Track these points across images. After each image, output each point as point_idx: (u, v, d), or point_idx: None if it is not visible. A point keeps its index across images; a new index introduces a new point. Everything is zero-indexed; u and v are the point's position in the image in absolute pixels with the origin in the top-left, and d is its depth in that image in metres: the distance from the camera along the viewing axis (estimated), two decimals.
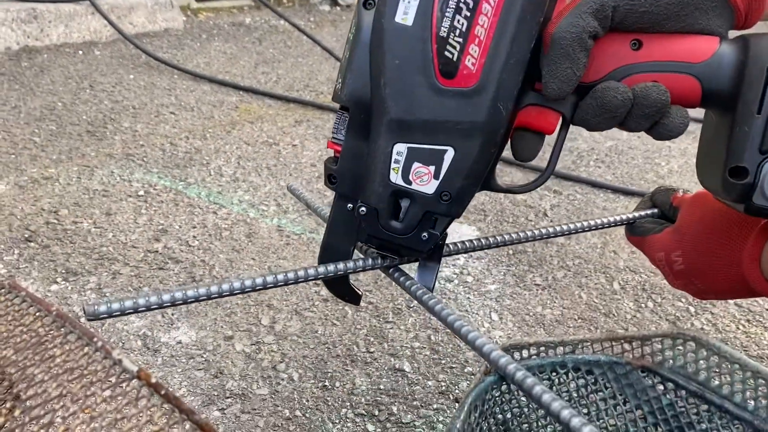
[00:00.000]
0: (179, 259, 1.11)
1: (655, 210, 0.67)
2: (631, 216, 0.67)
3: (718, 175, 0.44)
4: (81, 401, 0.32)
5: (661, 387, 0.46)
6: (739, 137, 0.42)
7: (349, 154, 0.46)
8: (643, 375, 0.46)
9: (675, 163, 1.68)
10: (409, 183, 0.45)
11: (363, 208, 0.46)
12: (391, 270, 0.55)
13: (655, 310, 1.09)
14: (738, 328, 1.07)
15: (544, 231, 0.62)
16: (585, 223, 0.65)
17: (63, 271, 1.05)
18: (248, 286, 0.47)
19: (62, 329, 0.35)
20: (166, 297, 0.45)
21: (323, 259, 0.51)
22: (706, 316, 1.09)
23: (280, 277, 0.48)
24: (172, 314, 0.98)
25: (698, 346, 0.45)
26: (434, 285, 0.51)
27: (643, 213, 0.66)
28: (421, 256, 0.51)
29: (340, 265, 0.51)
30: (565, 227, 0.63)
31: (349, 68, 0.44)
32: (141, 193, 1.31)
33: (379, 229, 0.47)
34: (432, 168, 0.45)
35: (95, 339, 0.35)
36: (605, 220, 0.65)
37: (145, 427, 0.32)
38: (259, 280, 0.48)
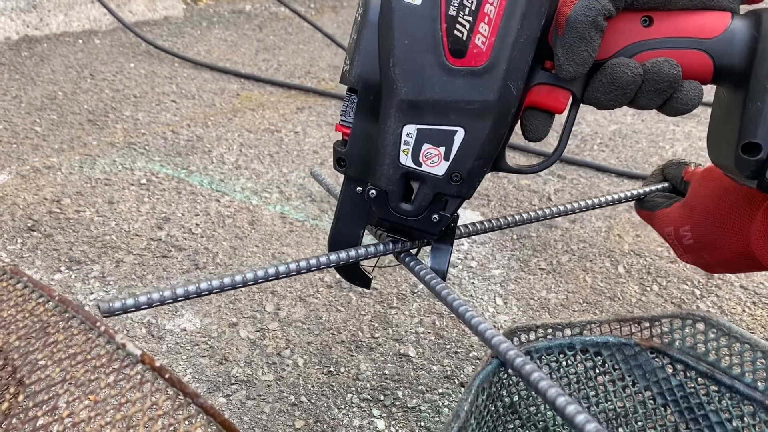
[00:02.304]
0: (182, 247, 1.10)
1: (666, 184, 0.67)
2: (642, 191, 0.66)
3: (730, 152, 0.43)
4: (85, 386, 0.32)
5: (671, 368, 0.45)
6: (752, 113, 0.41)
7: (358, 137, 0.46)
8: (652, 356, 0.45)
9: (679, 147, 1.66)
10: (420, 165, 0.44)
11: (373, 191, 0.46)
12: (402, 255, 0.54)
13: (660, 293, 1.08)
14: (744, 310, 1.07)
15: (555, 210, 0.61)
16: (597, 200, 0.64)
17: (66, 260, 1.05)
18: (261, 277, 0.47)
19: (65, 314, 0.35)
20: (180, 291, 0.44)
21: (333, 244, 0.51)
22: (712, 299, 1.09)
23: (293, 266, 0.48)
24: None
25: (708, 326, 0.44)
26: (447, 269, 0.50)
27: (653, 188, 0.66)
28: (432, 239, 0.50)
29: (352, 252, 0.50)
30: (576, 205, 0.63)
31: (357, 50, 0.44)
32: (143, 181, 1.30)
33: (389, 211, 0.46)
34: (442, 149, 0.44)
35: (98, 324, 0.35)
36: (616, 196, 0.65)
37: (150, 411, 0.31)
38: (271, 270, 0.48)
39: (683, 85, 0.42)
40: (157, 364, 0.33)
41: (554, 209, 0.61)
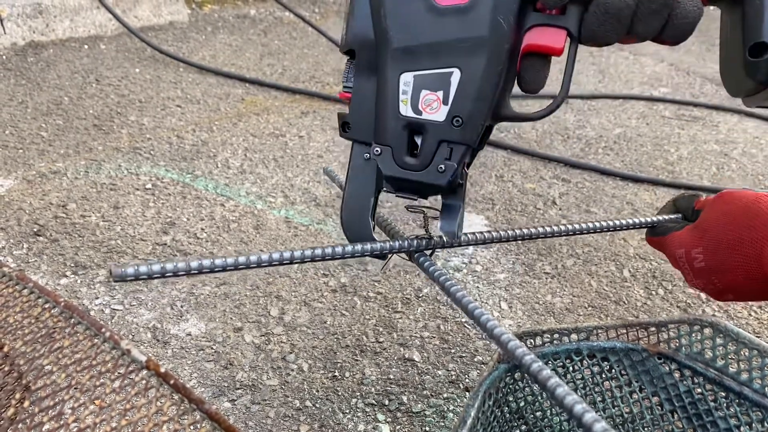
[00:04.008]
0: (187, 252, 1.10)
1: (679, 215, 0.67)
2: (654, 219, 0.66)
3: (739, 64, 0.42)
4: (90, 392, 0.32)
5: (678, 374, 0.45)
6: (753, 15, 0.40)
7: (359, 97, 0.46)
8: (660, 362, 0.45)
9: (684, 150, 1.66)
10: (419, 113, 0.45)
11: (378, 149, 0.46)
12: (416, 255, 0.54)
13: (666, 297, 1.08)
14: (750, 314, 1.06)
15: (572, 228, 0.61)
16: (608, 223, 0.64)
17: (72, 265, 1.05)
18: (275, 260, 0.47)
19: (71, 320, 0.35)
20: (194, 264, 0.44)
21: (346, 215, 0.51)
22: (718, 303, 1.08)
23: (307, 252, 0.48)
24: (182, 306, 0.98)
25: (715, 332, 0.44)
26: (459, 230, 0.50)
27: (665, 217, 0.66)
28: (442, 193, 0.50)
29: (367, 246, 0.50)
30: (590, 225, 0.63)
31: (351, 14, 0.45)
32: (149, 186, 1.31)
33: (395, 167, 0.46)
34: (440, 93, 0.44)
35: (103, 330, 0.35)
36: (629, 222, 0.65)
37: (155, 417, 0.31)
38: (286, 255, 0.48)
39: (679, 1, 0.41)
40: (162, 369, 0.33)
41: (571, 227, 0.61)
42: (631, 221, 0.65)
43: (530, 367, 0.42)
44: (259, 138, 1.56)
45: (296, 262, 0.46)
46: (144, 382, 0.33)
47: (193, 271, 0.44)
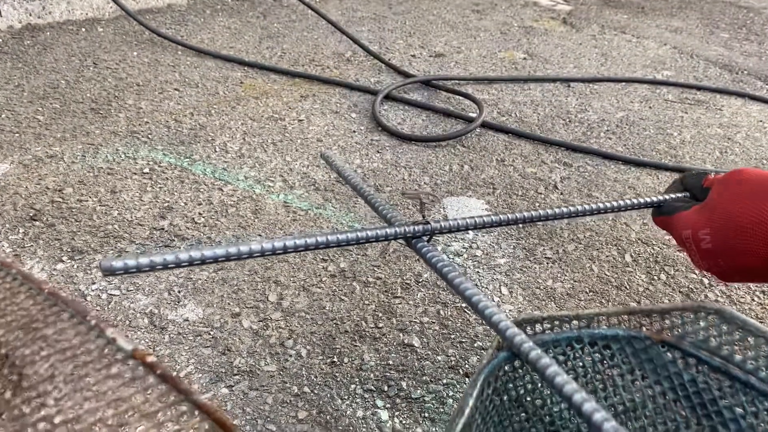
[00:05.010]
0: (185, 236, 1.09)
1: (687, 193, 0.65)
2: (660, 198, 0.65)
3: None
4: (74, 382, 0.31)
5: (682, 362, 0.44)
6: None
7: None
8: (663, 350, 0.44)
9: (687, 134, 1.64)
10: None
11: None
12: (413, 240, 0.53)
13: (668, 283, 1.07)
14: (753, 299, 1.05)
15: (575, 209, 0.60)
16: (613, 204, 0.63)
17: (69, 250, 1.04)
18: (268, 250, 0.46)
19: (55, 308, 0.34)
20: (183, 256, 0.44)
21: None
22: (721, 288, 1.07)
23: (300, 242, 0.47)
24: (179, 292, 0.97)
25: (721, 319, 0.43)
26: None
27: (672, 195, 0.64)
28: None
29: (361, 234, 0.49)
30: (595, 206, 0.61)
31: None
32: (146, 170, 1.29)
33: None
34: None
35: (89, 317, 0.34)
36: (634, 201, 0.63)
37: (142, 408, 0.30)
38: (279, 244, 0.47)
39: None
40: (149, 358, 0.32)
41: (572, 209, 0.60)
42: (636, 201, 0.64)
43: (529, 355, 0.41)
44: (257, 122, 1.54)
45: (290, 252, 0.44)
46: (130, 371, 0.31)
47: (183, 264, 0.43)
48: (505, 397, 0.46)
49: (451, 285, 0.48)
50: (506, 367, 0.45)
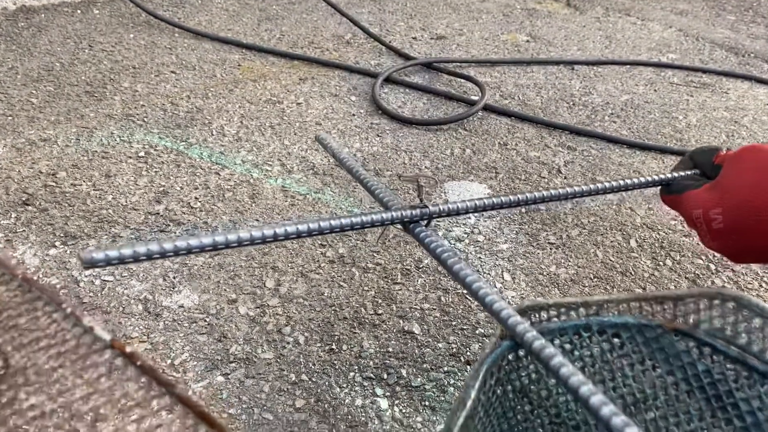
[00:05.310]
0: (181, 221, 1.07)
1: (696, 170, 0.63)
2: (669, 176, 0.62)
3: None
4: (47, 375, 0.28)
5: (697, 351, 0.42)
6: None
7: None
8: (677, 338, 0.42)
9: (693, 117, 1.61)
10: None
11: None
12: (411, 225, 0.51)
13: (674, 268, 1.05)
14: (761, 285, 1.03)
15: (578, 190, 0.57)
16: (620, 183, 0.60)
17: (62, 235, 1.02)
18: (258, 238, 0.44)
19: (28, 294, 0.32)
20: (168, 246, 0.41)
21: None
22: (727, 274, 1.05)
23: (291, 228, 0.45)
24: (174, 278, 0.95)
25: (738, 306, 0.40)
26: None
27: (682, 173, 0.62)
28: None
29: (356, 219, 0.47)
30: (601, 186, 0.59)
31: None
32: (141, 154, 1.27)
33: None
34: None
35: (64, 305, 0.31)
36: (643, 180, 0.61)
37: (120, 402, 0.28)
38: (268, 232, 0.45)
39: None
40: (128, 349, 0.30)
41: (577, 189, 0.57)
42: (644, 179, 0.61)
43: (532, 345, 0.39)
44: (255, 105, 1.51)
45: (280, 240, 0.42)
46: (108, 363, 0.29)
47: (168, 254, 0.41)
48: (509, 387, 0.44)
49: (451, 271, 0.46)
50: (510, 357, 0.43)
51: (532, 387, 0.45)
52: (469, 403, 0.36)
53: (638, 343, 0.43)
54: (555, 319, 0.43)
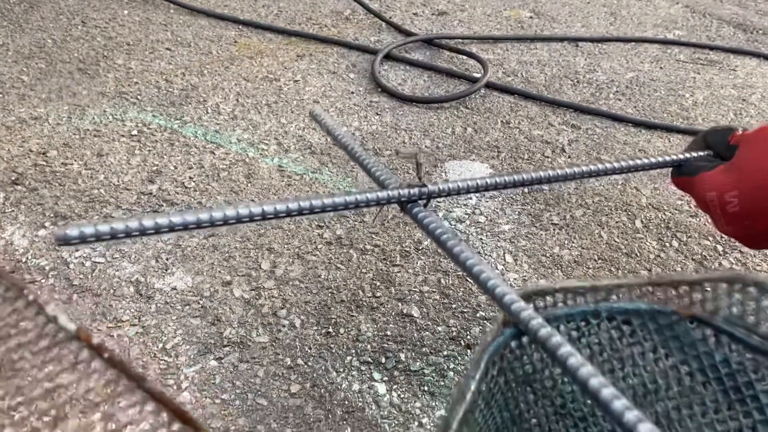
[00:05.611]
0: (174, 201, 1.04)
1: (710, 151, 0.59)
2: (681, 156, 0.59)
3: None
4: (5, 368, 0.26)
5: (714, 340, 0.39)
6: None
7: None
8: (692, 326, 0.39)
9: (700, 95, 1.57)
10: None
11: None
12: (409, 205, 0.48)
13: (680, 250, 1.02)
14: None
15: (585, 169, 0.54)
16: (630, 163, 0.57)
17: (51, 215, 0.99)
18: (244, 216, 0.42)
19: None
20: (148, 222, 0.39)
21: None
22: (735, 255, 1.02)
23: (281, 207, 0.42)
24: (167, 259, 0.92)
25: (761, 292, 0.38)
26: None
27: (694, 154, 0.59)
28: None
29: (350, 198, 0.44)
30: (609, 166, 0.56)
31: None
32: (134, 132, 1.24)
33: None
34: None
35: (26, 291, 0.29)
36: (653, 161, 0.58)
37: (85, 398, 0.25)
38: (256, 210, 0.42)
39: None
40: (95, 340, 0.27)
41: (584, 169, 0.54)
42: (655, 160, 0.58)
43: (538, 333, 0.37)
44: (251, 82, 1.47)
45: (269, 218, 0.39)
46: (72, 356, 0.27)
47: (149, 231, 0.38)
48: (511, 377, 0.41)
49: (451, 254, 0.43)
50: (512, 344, 0.40)
51: (536, 376, 0.42)
52: (469, 396, 0.33)
53: (650, 330, 0.40)
54: (561, 304, 0.40)
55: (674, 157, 0.60)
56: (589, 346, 0.41)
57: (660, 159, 0.60)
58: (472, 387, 0.34)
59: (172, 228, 0.39)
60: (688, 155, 0.60)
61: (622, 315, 0.40)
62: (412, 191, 0.47)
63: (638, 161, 0.60)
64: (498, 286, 0.39)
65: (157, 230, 0.39)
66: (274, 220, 0.43)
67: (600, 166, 0.58)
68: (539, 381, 0.42)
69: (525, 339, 0.41)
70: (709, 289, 0.39)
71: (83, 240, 0.38)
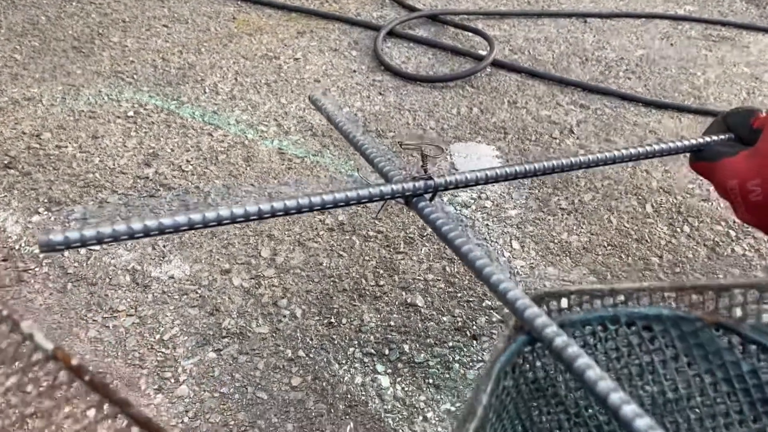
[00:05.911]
0: (171, 186, 1.02)
1: (731, 134, 0.56)
2: (701, 140, 0.56)
3: None
4: None
5: (741, 349, 0.37)
6: None
7: None
8: (718, 334, 0.37)
9: (712, 73, 1.53)
10: None
11: None
12: (414, 200, 0.46)
13: (692, 235, 0.99)
14: None
15: (599, 156, 0.51)
16: (647, 149, 0.54)
17: (45, 200, 0.96)
18: (239, 215, 0.39)
19: None
20: (136, 226, 0.36)
21: None
22: (749, 241, 0.99)
23: (278, 205, 0.39)
24: (164, 246, 0.90)
25: None
26: None
27: (715, 138, 0.55)
28: None
29: (352, 193, 0.42)
30: (626, 152, 0.53)
31: None
32: (130, 113, 1.20)
33: None
34: None
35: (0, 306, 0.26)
36: (671, 145, 0.55)
37: (63, 425, 0.23)
38: (252, 209, 0.39)
39: None
40: (74, 361, 0.25)
41: (599, 156, 0.51)
42: (672, 145, 0.55)
43: (553, 342, 0.34)
44: (250, 61, 1.44)
45: (266, 217, 0.37)
46: (50, 378, 0.24)
47: (137, 235, 0.36)
48: (523, 384, 0.39)
49: (458, 253, 0.40)
50: (525, 350, 0.38)
51: (549, 382, 0.40)
52: (479, 411, 0.31)
53: (673, 337, 0.37)
54: (577, 308, 0.38)
55: (694, 141, 0.57)
56: (607, 353, 0.38)
57: (679, 143, 0.57)
58: (484, 401, 0.32)
59: (162, 230, 0.36)
60: (708, 139, 0.57)
61: (642, 320, 0.37)
62: (417, 185, 0.44)
63: (656, 146, 0.57)
64: (510, 290, 0.37)
65: (147, 233, 0.36)
66: (273, 217, 0.40)
67: (616, 153, 0.55)
68: (552, 387, 0.40)
69: (538, 344, 0.38)
70: (737, 295, 0.36)
71: (68, 246, 0.35)
